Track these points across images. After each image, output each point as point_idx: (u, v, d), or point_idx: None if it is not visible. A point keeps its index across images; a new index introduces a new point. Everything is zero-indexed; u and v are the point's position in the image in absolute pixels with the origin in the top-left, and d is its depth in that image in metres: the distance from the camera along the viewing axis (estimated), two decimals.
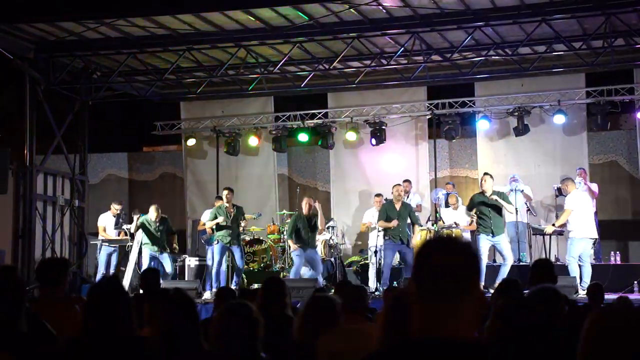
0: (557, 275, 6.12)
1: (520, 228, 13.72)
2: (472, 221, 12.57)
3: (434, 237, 2.02)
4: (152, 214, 13.06)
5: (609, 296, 7.61)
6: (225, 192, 13.02)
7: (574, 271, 11.61)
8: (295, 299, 10.27)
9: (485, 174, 12.64)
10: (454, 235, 12.59)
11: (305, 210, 12.75)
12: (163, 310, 3.91)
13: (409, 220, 12.59)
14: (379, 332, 2.66)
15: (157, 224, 13.04)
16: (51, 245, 14.06)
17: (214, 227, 12.93)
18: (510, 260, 12.08)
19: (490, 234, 12.07)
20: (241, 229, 13.01)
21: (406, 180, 14.46)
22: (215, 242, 12.91)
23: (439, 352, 1.86)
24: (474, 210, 12.32)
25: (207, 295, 12.69)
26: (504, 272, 12.03)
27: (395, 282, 12.39)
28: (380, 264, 12.66)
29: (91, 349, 3.49)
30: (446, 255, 1.94)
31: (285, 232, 13.79)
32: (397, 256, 12.88)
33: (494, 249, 12.43)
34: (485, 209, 12.11)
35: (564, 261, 12.18)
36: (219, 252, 12.83)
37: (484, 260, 12.13)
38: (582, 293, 11.08)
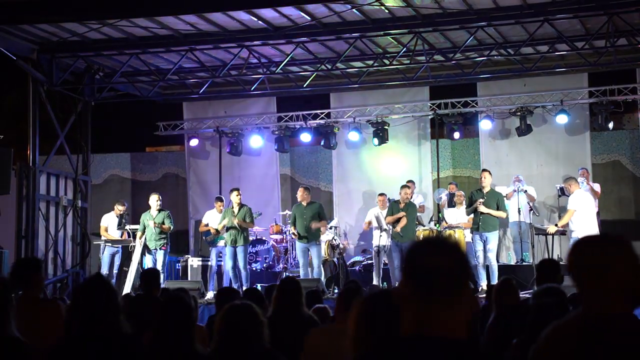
0: (563, 275, 6.12)
1: (523, 228, 13.72)
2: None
3: (424, 239, 2.03)
4: (152, 202, 13.19)
5: None
6: (234, 193, 13.01)
7: None
8: None
9: (484, 170, 12.74)
10: (444, 236, 12.67)
11: (299, 197, 12.85)
12: (156, 311, 3.92)
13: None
14: (350, 333, 2.66)
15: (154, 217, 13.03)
16: (54, 246, 14.07)
17: (221, 229, 13.02)
18: (492, 262, 12.11)
19: (476, 230, 12.18)
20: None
21: (409, 181, 14.46)
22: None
23: (431, 351, 1.87)
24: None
25: (209, 295, 12.71)
26: (493, 272, 12.05)
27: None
28: (385, 263, 12.71)
29: (75, 348, 3.48)
30: (436, 256, 1.95)
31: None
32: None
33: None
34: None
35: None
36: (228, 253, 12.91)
37: (480, 261, 12.13)
38: None
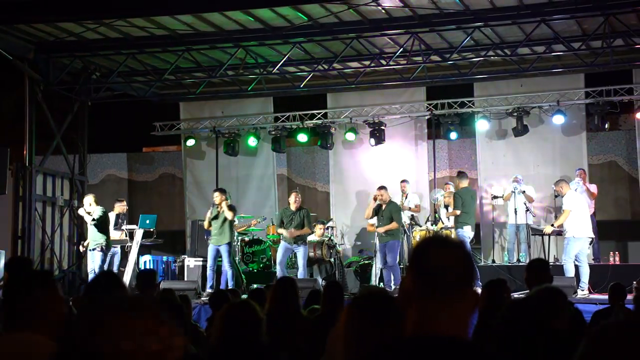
0: (552, 276, 6.11)
1: (519, 229, 13.74)
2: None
3: (429, 237, 2.03)
4: (86, 203, 12.83)
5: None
6: (215, 194, 12.85)
7: (570, 271, 11.59)
8: None
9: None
10: (446, 235, 12.74)
11: (292, 205, 12.76)
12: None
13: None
14: (341, 334, 2.64)
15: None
16: (50, 246, 14.06)
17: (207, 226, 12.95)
18: None
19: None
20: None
21: (403, 181, 14.46)
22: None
23: (435, 350, 1.87)
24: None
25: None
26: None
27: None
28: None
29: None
30: (442, 254, 1.95)
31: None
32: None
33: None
34: None
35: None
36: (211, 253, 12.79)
37: None
38: (580, 294, 11.10)
